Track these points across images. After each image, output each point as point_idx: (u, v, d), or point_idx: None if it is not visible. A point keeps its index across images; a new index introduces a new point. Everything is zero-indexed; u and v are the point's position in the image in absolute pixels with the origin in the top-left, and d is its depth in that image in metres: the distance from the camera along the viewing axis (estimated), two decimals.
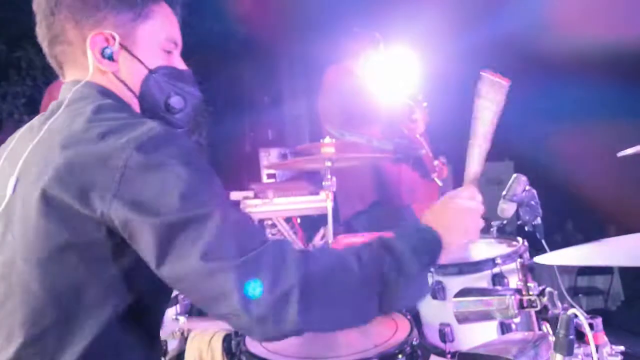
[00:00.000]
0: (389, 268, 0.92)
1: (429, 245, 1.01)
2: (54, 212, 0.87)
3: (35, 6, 1.04)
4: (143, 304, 0.94)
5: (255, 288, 0.82)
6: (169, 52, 1.09)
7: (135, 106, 1.07)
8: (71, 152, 0.88)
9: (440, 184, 2.86)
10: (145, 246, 0.85)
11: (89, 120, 0.93)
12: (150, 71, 1.05)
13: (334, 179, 2.11)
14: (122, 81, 1.04)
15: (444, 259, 1.03)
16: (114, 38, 1.01)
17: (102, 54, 1.01)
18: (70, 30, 1.01)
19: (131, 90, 1.05)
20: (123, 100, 1.04)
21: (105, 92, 1.02)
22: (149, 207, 0.84)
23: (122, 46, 1.02)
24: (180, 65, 1.11)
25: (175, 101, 1.08)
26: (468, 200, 1.12)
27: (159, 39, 1.07)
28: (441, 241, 1.02)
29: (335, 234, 2.13)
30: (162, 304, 1.07)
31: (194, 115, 1.12)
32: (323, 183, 2.09)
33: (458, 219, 1.09)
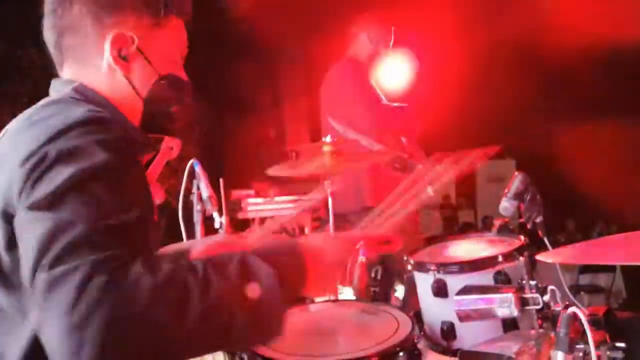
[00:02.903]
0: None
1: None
2: None
3: None
4: None
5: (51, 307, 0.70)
6: (176, 64, 1.12)
7: (138, 109, 1.08)
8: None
9: (432, 194, 2.89)
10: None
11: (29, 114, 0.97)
12: (161, 77, 1.08)
13: (335, 178, 2.11)
14: (131, 83, 1.05)
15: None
16: (132, 40, 1.03)
17: (119, 54, 1.03)
18: (88, 24, 1.01)
19: (138, 94, 1.06)
20: (104, 100, 1.03)
21: (80, 91, 1.01)
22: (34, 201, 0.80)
23: (139, 49, 1.04)
24: (184, 76, 1.14)
25: (176, 110, 1.11)
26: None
27: (171, 48, 1.10)
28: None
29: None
30: None
31: (184, 126, 1.14)
32: (324, 182, 2.09)
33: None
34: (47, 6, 1.04)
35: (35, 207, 0.79)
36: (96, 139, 0.85)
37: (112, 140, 0.87)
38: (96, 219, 0.76)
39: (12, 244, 0.85)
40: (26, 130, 0.92)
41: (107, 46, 1.01)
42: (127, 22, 1.03)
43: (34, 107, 1.01)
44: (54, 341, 0.69)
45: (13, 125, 1.00)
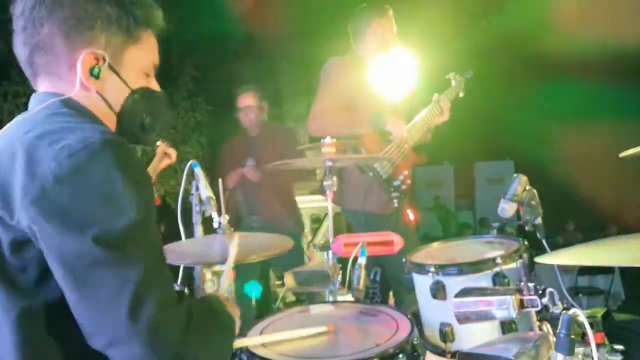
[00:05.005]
0: None
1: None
2: None
3: (18, 10, 1.03)
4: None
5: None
6: (148, 75, 1.15)
7: (112, 123, 1.11)
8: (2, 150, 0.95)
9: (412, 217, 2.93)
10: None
11: (32, 120, 0.99)
12: (132, 91, 1.10)
13: (335, 178, 2.10)
14: (104, 99, 1.07)
15: None
16: (104, 58, 1.05)
17: (91, 72, 1.04)
18: (60, 44, 1.02)
19: (111, 108, 1.09)
20: (91, 113, 1.06)
21: (71, 105, 1.03)
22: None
23: (110, 66, 1.06)
24: (156, 87, 1.17)
25: (149, 121, 1.15)
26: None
27: (143, 62, 1.12)
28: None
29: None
30: None
31: (160, 134, 1.17)
32: (324, 183, 2.08)
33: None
34: (18, 23, 1.03)
35: (102, 244, 0.86)
36: (122, 170, 0.91)
37: (138, 171, 0.96)
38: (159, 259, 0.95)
39: (16, 248, 0.91)
40: (39, 143, 0.92)
41: (78, 65, 1.02)
42: (98, 41, 1.04)
43: (30, 115, 1.02)
44: None
45: (12, 132, 1.00)
